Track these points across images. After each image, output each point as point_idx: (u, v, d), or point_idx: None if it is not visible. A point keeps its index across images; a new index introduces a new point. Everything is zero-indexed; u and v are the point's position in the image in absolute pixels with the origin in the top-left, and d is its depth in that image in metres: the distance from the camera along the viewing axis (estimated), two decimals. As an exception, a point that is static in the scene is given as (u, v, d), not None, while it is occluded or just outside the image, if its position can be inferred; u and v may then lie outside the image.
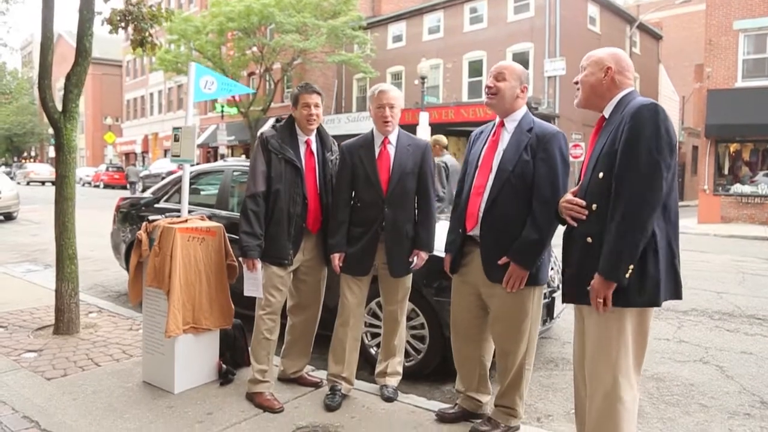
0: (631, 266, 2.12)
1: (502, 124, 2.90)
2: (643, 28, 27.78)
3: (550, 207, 2.67)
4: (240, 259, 3.33)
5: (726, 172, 18.34)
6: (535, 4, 22.21)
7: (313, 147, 3.46)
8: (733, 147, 18.29)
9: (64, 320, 4.50)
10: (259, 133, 3.43)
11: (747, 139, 17.81)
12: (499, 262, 2.73)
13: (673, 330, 5.27)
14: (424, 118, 18.36)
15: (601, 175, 2.24)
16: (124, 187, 32.82)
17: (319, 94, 3.38)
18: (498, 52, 22.43)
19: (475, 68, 23.98)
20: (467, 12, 24.79)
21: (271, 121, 3.53)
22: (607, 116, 2.36)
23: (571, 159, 18.26)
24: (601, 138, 2.33)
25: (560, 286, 4.14)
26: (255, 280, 3.26)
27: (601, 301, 2.17)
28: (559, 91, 21.58)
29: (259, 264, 3.25)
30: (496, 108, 2.88)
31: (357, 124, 25.24)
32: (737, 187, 17.96)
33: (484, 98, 2.94)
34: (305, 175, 3.36)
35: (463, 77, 24.66)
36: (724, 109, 17.19)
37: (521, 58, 22.09)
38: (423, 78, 19.52)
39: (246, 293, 3.32)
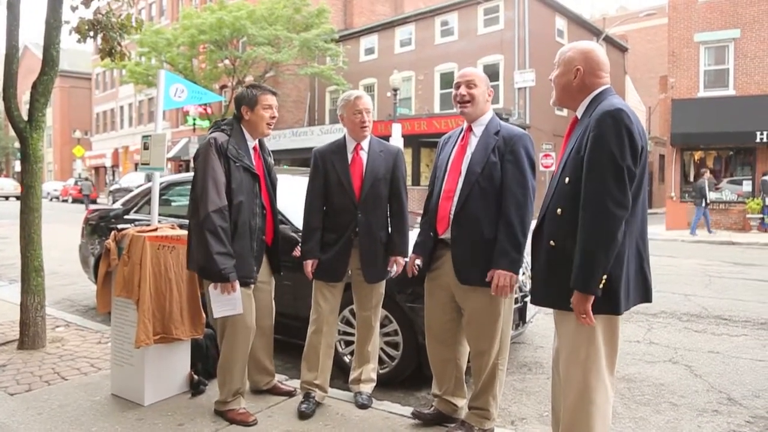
0: (605, 276, 2.10)
1: (470, 129, 2.95)
2: (609, 41, 28.48)
3: (522, 206, 2.74)
4: (211, 285, 2.96)
5: (692, 179, 18.82)
6: (504, 18, 22.64)
7: (259, 152, 3.29)
8: (697, 155, 18.82)
9: (30, 334, 4.37)
10: (210, 138, 3.06)
11: (710, 147, 18.36)
12: (487, 279, 2.74)
13: (644, 332, 5.37)
14: (396, 130, 18.46)
15: (567, 180, 2.24)
16: (93, 202, 32.28)
17: (276, 94, 3.26)
18: (469, 64, 22.69)
19: (447, 80, 24.24)
20: (438, 25, 25.13)
21: (213, 132, 3.24)
22: (579, 116, 2.35)
23: (542, 168, 18.69)
24: (571, 141, 2.32)
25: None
26: (230, 299, 2.96)
27: (584, 316, 2.14)
28: (530, 101, 21.96)
29: (237, 284, 2.95)
30: (470, 116, 2.92)
31: (330, 136, 25.17)
32: (703, 194, 18.41)
33: (456, 108, 2.96)
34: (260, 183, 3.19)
35: (435, 89, 24.93)
36: (688, 119, 17.71)
37: (492, 70, 22.44)
38: (395, 90, 19.66)
39: (216, 316, 3.02)
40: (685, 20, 18.47)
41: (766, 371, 4.32)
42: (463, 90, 2.90)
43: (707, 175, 16.93)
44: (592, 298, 2.12)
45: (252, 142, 3.24)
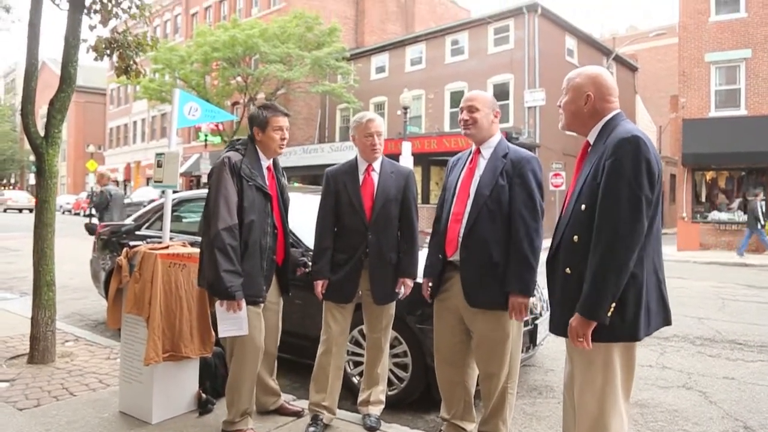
0: (613, 304, 2.08)
1: (478, 152, 2.97)
2: (619, 60, 28.53)
3: (531, 230, 2.74)
4: (217, 302, 2.98)
5: (703, 199, 18.71)
6: (514, 37, 22.74)
7: (273, 171, 3.32)
8: (709, 175, 18.69)
9: (39, 349, 4.39)
10: (224, 157, 3.10)
11: (722, 167, 18.23)
12: (509, 309, 2.73)
13: (656, 356, 5.29)
14: (406, 148, 18.52)
15: (583, 207, 2.21)
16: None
17: (288, 115, 3.28)
18: (479, 83, 22.84)
19: (457, 99, 24.29)
20: (449, 44, 25.28)
21: (228, 151, 3.28)
22: (591, 142, 2.33)
23: (551, 188, 18.63)
24: (585, 167, 2.29)
25: (542, 313, 4.22)
26: (237, 319, 2.96)
27: (581, 340, 2.12)
28: (540, 120, 21.97)
29: (243, 303, 2.97)
30: (475, 137, 2.95)
31: (341, 153, 25.36)
32: (715, 215, 18.30)
33: (462, 130, 2.99)
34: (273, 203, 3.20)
35: (445, 107, 25.01)
36: (699, 139, 17.63)
37: (502, 89, 22.52)
38: (405, 108, 19.76)
39: (222, 335, 3.02)
40: (696, 40, 18.47)
41: (783, 398, 4.23)
42: (465, 114, 2.94)
43: (760, 196, 16.43)
44: (594, 324, 2.10)
45: (266, 162, 3.26)
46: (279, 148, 3.24)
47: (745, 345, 5.79)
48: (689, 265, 13.99)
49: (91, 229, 7.83)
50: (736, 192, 18.38)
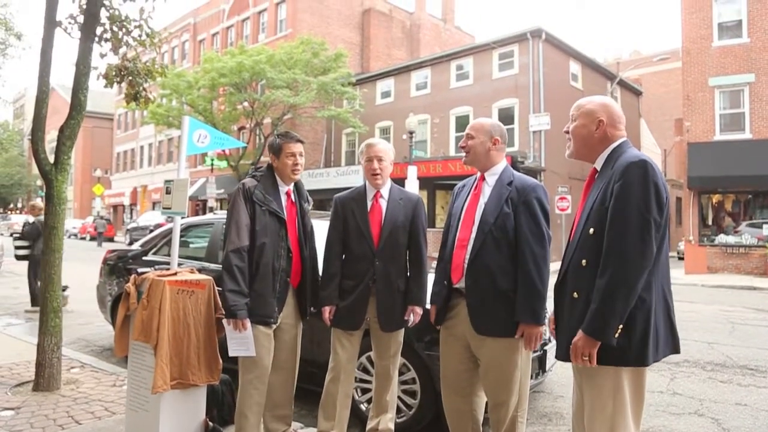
0: (620, 326, 2.09)
1: (483, 178, 2.97)
2: (623, 85, 28.71)
3: (538, 257, 2.73)
4: (224, 320, 3.13)
5: (710, 222, 18.63)
6: (519, 62, 22.95)
7: (293, 197, 3.41)
8: (715, 198, 18.65)
9: (45, 376, 4.37)
10: (240, 183, 3.29)
11: (728, 190, 18.19)
12: (516, 336, 2.74)
13: (666, 382, 5.22)
14: (412, 172, 18.60)
15: (591, 231, 2.23)
16: (110, 240, 32.66)
17: (302, 142, 3.37)
18: (484, 107, 23.00)
19: (462, 123, 24.45)
20: (453, 69, 25.52)
21: (246, 177, 3.42)
22: (599, 168, 2.35)
23: (557, 211, 18.63)
24: (593, 192, 2.31)
25: (551, 338, 4.18)
26: (243, 339, 3.08)
27: (586, 358, 2.13)
28: (545, 145, 22.04)
29: (248, 323, 3.07)
30: (473, 164, 2.99)
31: (346, 177, 25.50)
32: (722, 238, 18.22)
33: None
34: (288, 227, 3.28)
35: (450, 132, 25.15)
36: (704, 162, 17.64)
37: (506, 114, 22.66)
38: (411, 133, 19.89)
39: (231, 354, 3.13)
40: (699, 64, 18.60)
41: (798, 426, 4.16)
42: (462, 141, 3.00)
43: None
44: (599, 344, 2.11)
45: (284, 188, 3.36)
46: (293, 173, 3.32)
47: (757, 370, 5.71)
48: (697, 289, 13.88)
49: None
50: (743, 215, 18.32)
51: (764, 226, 17.67)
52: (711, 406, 4.58)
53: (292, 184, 3.42)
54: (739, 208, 18.45)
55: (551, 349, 4.18)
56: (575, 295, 2.25)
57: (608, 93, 26.63)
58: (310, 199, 3.56)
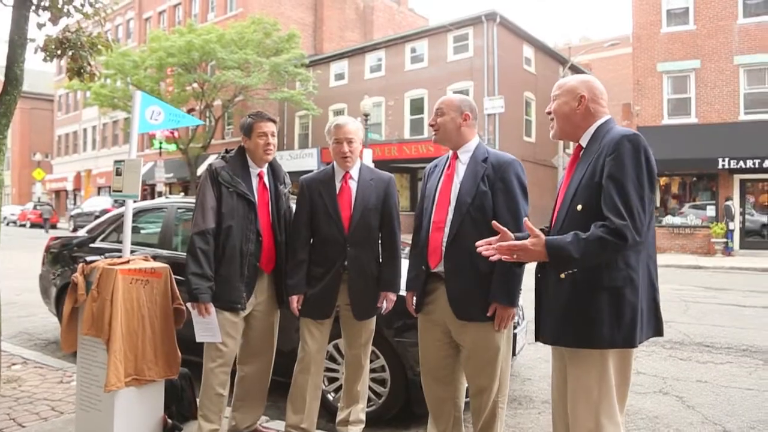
0: (573, 270, 2.06)
1: (455, 157, 2.84)
2: (574, 69, 29.17)
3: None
4: (188, 304, 3.03)
5: (658, 204, 19.23)
6: (473, 45, 22.99)
7: (266, 180, 3.25)
8: (663, 181, 19.25)
9: (-17, 375, 4.03)
10: (207, 165, 3.18)
11: (675, 173, 18.80)
12: (488, 314, 2.62)
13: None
14: (367, 155, 18.42)
15: (579, 207, 2.14)
16: (53, 226, 31.29)
17: (274, 122, 3.22)
18: (439, 90, 22.95)
19: (417, 106, 24.41)
20: (408, 51, 25.36)
21: (215, 158, 3.24)
22: (584, 145, 2.27)
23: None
24: (579, 168, 2.23)
25: (519, 322, 4.13)
26: (208, 324, 2.97)
27: (512, 254, 2.07)
28: (499, 128, 22.24)
29: (212, 308, 2.97)
30: (444, 142, 2.85)
31: (300, 161, 25.12)
32: (668, 219, 18.86)
33: (427, 135, 2.89)
34: (258, 210, 3.13)
35: (405, 114, 25.05)
36: (653, 145, 17.31)
37: (462, 96, 22.67)
38: (366, 115, 19.66)
39: (198, 339, 3.03)
40: (648, 50, 19.07)
41: (757, 401, 4.26)
42: (431, 119, 2.87)
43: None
44: (541, 255, 2.04)
45: (256, 169, 3.22)
46: (264, 153, 3.17)
47: (713, 347, 5.87)
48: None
49: None
50: (688, 197, 19.00)
51: (707, 207, 18.39)
52: (674, 384, 4.65)
53: (266, 165, 3.25)
54: (684, 190, 19.14)
55: (521, 332, 4.14)
56: (562, 276, 2.15)
57: (560, 77, 27.07)
58: (287, 180, 3.38)
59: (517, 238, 2.52)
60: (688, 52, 18.49)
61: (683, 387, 4.58)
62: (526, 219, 2.12)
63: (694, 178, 18.81)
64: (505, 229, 2.13)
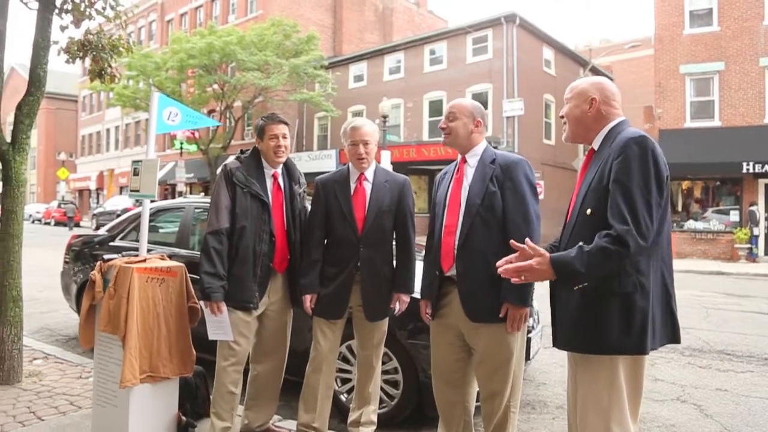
0: (584, 284, 2.00)
1: (464, 161, 2.85)
2: (595, 71, 28.88)
3: (525, 235, 2.59)
4: (201, 302, 3.07)
5: (679, 209, 18.95)
6: (493, 47, 22.87)
7: (281, 180, 3.27)
8: (685, 185, 18.96)
9: (5, 369, 4.11)
10: (223, 165, 3.21)
11: (697, 177, 18.51)
12: (501, 315, 2.60)
13: (647, 368, 5.19)
14: (385, 157, 18.44)
15: (588, 211, 2.12)
16: (77, 225, 31.85)
17: (286, 124, 3.24)
18: (458, 92, 22.87)
19: (436, 108, 24.35)
20: (427, 53, 25.31)
21: (231, 158, 3.27)
22: (596, 148, 2.24)
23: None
24: (590, 172, 2.21)
25: (534, 326, 4.09)
26: (221, 323, 3.01)
27: (522, 275, 2.00)
28: (518, 130, 22.09)
29: (224, 306, 3.00)
30: (453, 146, 2.86)
31: (318, 162, 25.19)
32: (690, 224, 18.56)
33: (442, 138, 2.90)
34: (272, 211, 3.16)
35: (424, 116, 25.01)
36: (675, 149, 17.86)
37: (480, 99, 22.54)
38: (384, 117, 19.66)
39: (211, 337, 3.06)
40: (671, 52, 18.80)
41: (778, 411, 4.17)
42: (443, 123, 2.86)
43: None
44: (549, 274, 1.98)
45: (270, 170, 3.25)
46: (276, 155, 3.19)
47: (734, 355, 5.76)
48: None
49: None
50: (711, 201, 18.68)
51: (731, 212, 18.06)
52: (692, 392, 4.57)
53: (280, 166, 3.27)
54: (707, 195, 18.81)
55: (535, 336, 4.11)
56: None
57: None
58: (302, 180, 3.40)
59: (532, 239, 2.51)
60: (711, 53, 18.19)
61: (702, 395, 4.50)
62: (527, 240, 2.06)
63: (718, 182, 18.48)
64: (524, 246, 2.06)
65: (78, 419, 3.49)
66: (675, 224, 18.58)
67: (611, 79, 32.24)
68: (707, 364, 5.40)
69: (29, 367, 4.43)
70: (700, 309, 8.62)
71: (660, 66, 19.06)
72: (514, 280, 2.05)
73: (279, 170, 3.28)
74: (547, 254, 2.02)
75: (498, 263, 2.11)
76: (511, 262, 2.06)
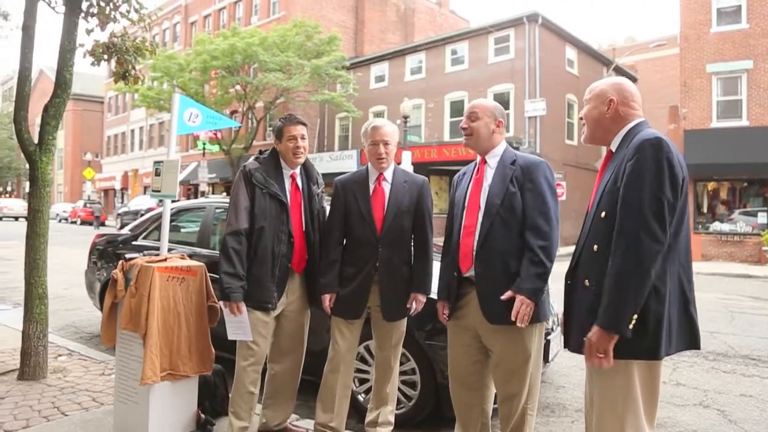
0: (635, 316, 1.95)
1: (484, 162, 2.83)
2: (619, 71, 28.50)
3: (545, 236, 2.60)
4: (221, 302, 3.09)
5: (705, 210, 18.60)
6: (515, 47, 22.70)
7: (299, 181, 3.29)
8: (711, 186, 18.61)
9: (30, 364, 4.20)
10: (243, 165, 3.23)
11: (724, 177, 18.15)
12: (503, 298, 2.57)
13: (669, 372, 5.12)
14: (406, 158, 18.43)
15: (603, 214, 2.10)
16: (102, 224, 32.46)
17: (304, 125, 3.26)
18: (479, 92, 22.76)
19: (457, 108, 24.25)
20: (448, 53, 25.24)
21: (250, 159, 3.31)
22: (614, 150, 2.23)
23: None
24: (606, 174, 2.19)
25: (554, 328, 4.06)
26: (240, 323, 3.02)
27: (602, 355, 1.99)
28: (540, 130, 21.90)
29: (243, 306, 3.01)
30: (474, 147, 2.85)
31: (339, 162, 25.27)
32: (716, 225, 18.21)
33: (462, 139, 2.88)
34: (291, 211, 3.18)
35: (445, 117, 24.94)
36: (700, 149, 17.55)
37: (502, 99, 22.44)
38: (405, 117, 19.66)
39: (230, 337, 3.08)
40: (697, 51, 18.46)
41: (805, 418, 4.07)
42: (464, 122, 2.85)
43: None
44: (616, 338, 1.97)
45: (289, 171, 3.27)
46: (294, 156, 3.21)
47: (760, 360, 5.63)
48: (694, 277, 13.84)
49: None
50: (737, 203, 18.30)
51: (759, 214, 17.67)
52: (716, 397, 4.48)
53: (299, 167, 3.29)
54: (734, 196, 18.43)
55: (554, 338, 4.07)
56: (587, 283, 2.12)
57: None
58: (320, 181, 3.42)
59: (551, 238, 2.50)
60: (739, 52, 17.81)
61: (725, 401, 4.41)
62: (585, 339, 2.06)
63: (745, 184, 18.09)
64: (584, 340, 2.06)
65: (100, 415, 3.56)
66: (700, 226, 18.26)
67: (635, 79, 31.86)
68: (731, 369, 5.29)
69: (54, 364, 4.53)
70: (725, 313, 8.45)
71: (686, 65, 18.72)
72: (604, 365, 2.01)
73: (297, 171, 3.30)
74: (594, 325, 2.01)
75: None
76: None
